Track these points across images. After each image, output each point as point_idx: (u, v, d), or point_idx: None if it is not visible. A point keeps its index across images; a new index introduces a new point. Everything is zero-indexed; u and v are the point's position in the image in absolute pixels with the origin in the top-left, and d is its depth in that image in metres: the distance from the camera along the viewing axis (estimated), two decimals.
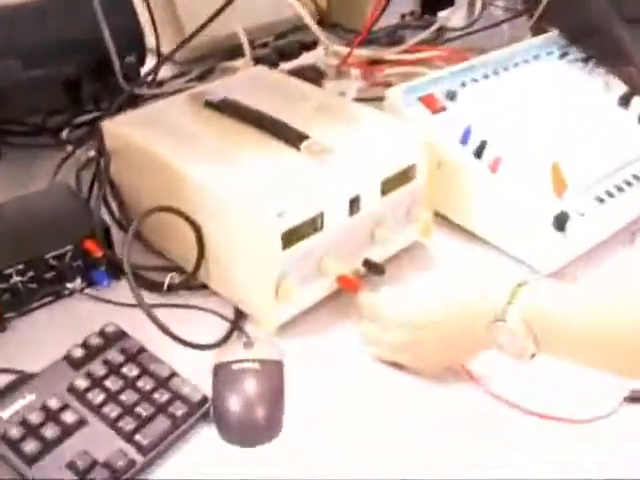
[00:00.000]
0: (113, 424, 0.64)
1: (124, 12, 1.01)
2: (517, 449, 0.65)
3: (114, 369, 0.67)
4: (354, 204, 0.76)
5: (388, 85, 1.03)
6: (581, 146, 0.90)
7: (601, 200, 0.85)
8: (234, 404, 0.66)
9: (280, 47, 1.25)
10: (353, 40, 1.20)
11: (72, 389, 0.66)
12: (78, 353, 0.68)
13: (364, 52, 1.22)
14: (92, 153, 0.91)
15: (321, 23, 1.30)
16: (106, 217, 0.83)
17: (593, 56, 1.04)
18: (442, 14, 1.37)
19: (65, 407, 0.64)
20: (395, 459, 0.64)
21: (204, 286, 0.81)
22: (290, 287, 0.72)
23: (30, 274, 0.77)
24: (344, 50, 1.20)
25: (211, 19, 0.93)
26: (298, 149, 0.77)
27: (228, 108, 0.84)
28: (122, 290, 0.78)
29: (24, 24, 0.94)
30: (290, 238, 0.71)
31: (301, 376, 0.71)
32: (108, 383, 0.66)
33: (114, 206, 0.86)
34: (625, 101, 0.98)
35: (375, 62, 1.22)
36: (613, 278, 0.81)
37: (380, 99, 0.94)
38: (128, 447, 0.62)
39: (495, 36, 1.33)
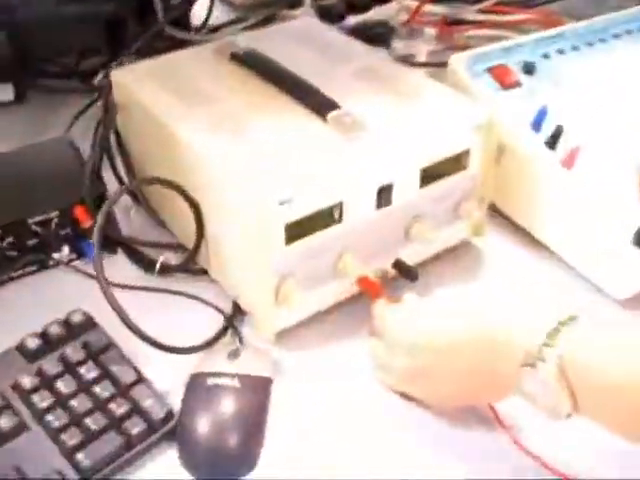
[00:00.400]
0: (56, 436, 0.53)
1: None
2: None
3: (70, 368, 0.57)
4: (383, 194, 0.62)
5: (466, 49, 0.88)
6: None
7: None
8: (202, 425, 0.55)
9: None
10: None
11: (16, 387, 0.56)
12: (33, 344, 0.58)
13: (440, 9, 1.06)
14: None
15: None
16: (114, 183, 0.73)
17: None
18: None
19: (5, 407, 0.55)
20: None
21: (205, 272, 0.69)
22: (292, 289, 0.60)
23: (9, 240, 0.68)
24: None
25: None
26: (325, 120, 0.64)
27: (254, 63, 0.72)
28: (115, 265, 0.69)
29: None
30: (297, 231, 0.59)
31: (293, 396, 0.59)
32: (59, 384, 0.56)
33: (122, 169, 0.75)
34: None
35: (456, 22, 1.07)
36: None
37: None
38: (67, 467, 0.52)
39: (601, 2, 1.14)
